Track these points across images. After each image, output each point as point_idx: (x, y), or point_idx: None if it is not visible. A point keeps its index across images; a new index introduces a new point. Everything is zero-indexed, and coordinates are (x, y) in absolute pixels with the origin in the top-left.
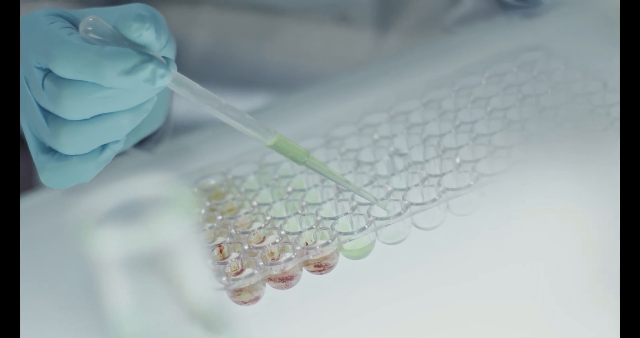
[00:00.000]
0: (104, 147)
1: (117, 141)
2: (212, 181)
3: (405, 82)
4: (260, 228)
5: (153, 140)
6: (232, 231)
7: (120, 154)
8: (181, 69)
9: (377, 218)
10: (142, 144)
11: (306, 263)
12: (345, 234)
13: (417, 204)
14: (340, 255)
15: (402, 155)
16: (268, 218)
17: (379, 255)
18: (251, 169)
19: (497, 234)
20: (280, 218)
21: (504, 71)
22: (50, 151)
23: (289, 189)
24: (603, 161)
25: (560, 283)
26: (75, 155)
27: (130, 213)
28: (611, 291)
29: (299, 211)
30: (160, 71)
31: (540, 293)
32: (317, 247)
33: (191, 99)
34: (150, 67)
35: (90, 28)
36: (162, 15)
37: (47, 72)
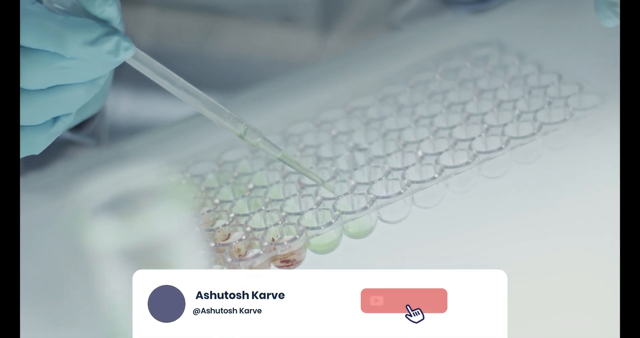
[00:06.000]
0: (55, 119)
1: (68, 114)
2: (172, 180)
3: (357, 79)
4: (224, 225)
5: (93, 123)
6: (196, 229)
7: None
8: (124, 68)
9: (343, 212)
10: (81, 127)
11: (274, 259)
12: (312, 229)
13: (383, 197)
14: (308, 250)
15: (362, 150)
16: (231, 215)
17: (345, 249)
18: (210, 168)
19: (461, 226)
20: (244, 215)
21: (457, 66)
22: None
23: (250, 186)
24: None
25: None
26: (28, 126)
27: (122, 205)
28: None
29: (263, 208)
30: (125, 44)
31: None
32: (285, 242)
33: (150, 76)
34: (115, 39)
35: None
36: None
37: None
